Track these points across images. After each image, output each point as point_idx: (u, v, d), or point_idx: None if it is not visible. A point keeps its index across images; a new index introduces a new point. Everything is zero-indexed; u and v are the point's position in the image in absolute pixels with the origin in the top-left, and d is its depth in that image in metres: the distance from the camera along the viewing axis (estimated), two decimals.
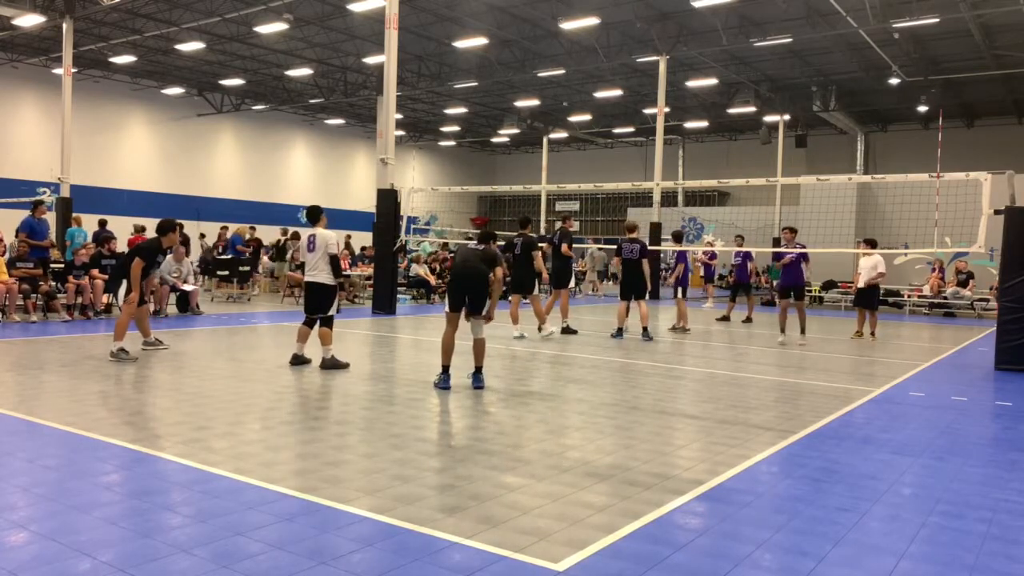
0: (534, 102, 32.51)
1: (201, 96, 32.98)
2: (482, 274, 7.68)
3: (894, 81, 26.36)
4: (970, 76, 26.21)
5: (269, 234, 25.54)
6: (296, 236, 20.24)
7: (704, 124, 35.16)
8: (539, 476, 4.83)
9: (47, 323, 12.48)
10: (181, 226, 13.47)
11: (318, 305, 8.76)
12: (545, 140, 38.74)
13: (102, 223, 17.79)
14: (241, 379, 7.93)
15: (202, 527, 3.82)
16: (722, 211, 36.39)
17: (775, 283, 17.00)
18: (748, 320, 16.82)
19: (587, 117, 35.50)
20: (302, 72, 28.84)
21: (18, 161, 27.70)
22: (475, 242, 8.34)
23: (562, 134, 39.01)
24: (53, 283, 13.27)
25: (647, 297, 13.33)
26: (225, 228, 21.48)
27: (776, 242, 27.45)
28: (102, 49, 25.77)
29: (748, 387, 8.50)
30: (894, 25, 19.77)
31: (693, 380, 8.99)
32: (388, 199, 15.78)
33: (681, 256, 15.38)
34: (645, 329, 12.78)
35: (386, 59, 15.27)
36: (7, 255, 13.49)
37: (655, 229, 23.62)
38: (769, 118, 31.82)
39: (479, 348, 7.77)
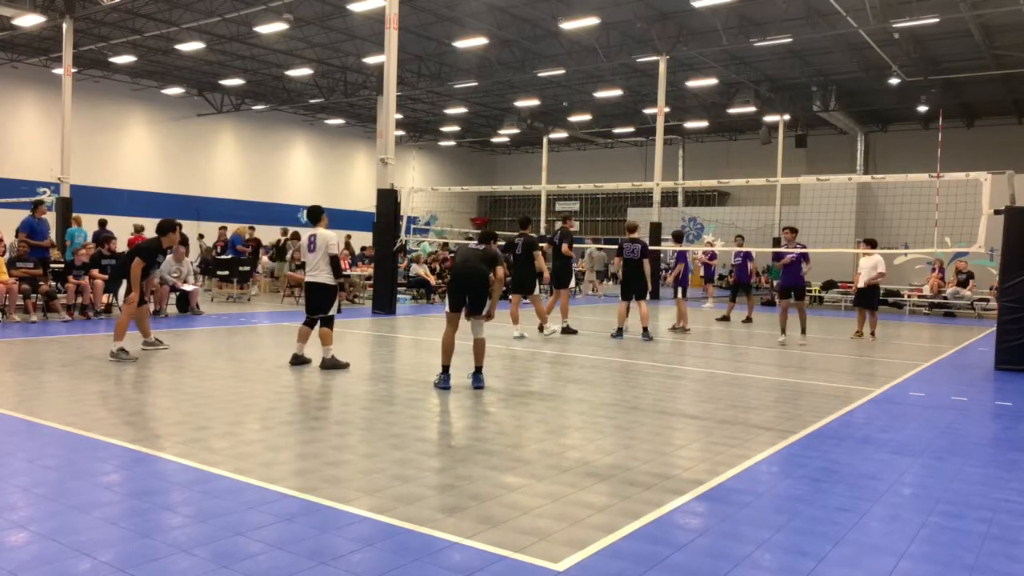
0: (534, 102, 32.50)
1: (201, 96, 32.98)
2: (482, 274, 7.68)
3: (894, 81, 26.36)
4: (970, 76, 26.21)
5: (269, 234, 25.55)
6: (296, 236, 20.25)
7: (704, 124, 35.16)
8: (539, 476, 4.83)
9: (47, 323, 12.48)
10: (180, 226, 13.47)
11: (319, 305, 8.76)
12: (545, 140, 38.73)
13: (102, 223, 17.80)
14: (241, 379, 7.93)
15: (202, 527, 3.82)
16: (722, 211, 36.39)
17: (775, 283, 17.00)
18: (748, 320, 16.82)
19: (587, 117, 35.50)
20: (302, 72, 28.85)
21: (18, 161, 27.71)
22: (475, 242, 8.35)
23: (562, 134, 39.00)
24: (53, 283, 13.27)
25: (647, 297, 13.33)
26: (224, 228, 21.47)
27: (776, 242, 27.45)
28: (102, 49, 25.78)
29: (748, 387, 8.50)
30: (894, 25, 19.77)
31: (693, 380, 8.99)
32: (388, 199, 15.78)
33: (681, 256, 15.39)
34: (645, 329, 12.78)
35: (386, 59, 15.27)
36: (7, 255, 13.49)
37: (655, 229, 23.62)
38: (769, 118, 31.82)
39: (479, 348, 7.77)
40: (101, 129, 30.27)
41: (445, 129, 40.76)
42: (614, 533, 3.89)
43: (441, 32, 24.44)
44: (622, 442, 5.80)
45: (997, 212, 10.26)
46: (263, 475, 4.66)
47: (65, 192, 20.75)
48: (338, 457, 5.13)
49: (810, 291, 21.99)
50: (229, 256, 18.89)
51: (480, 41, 23.64)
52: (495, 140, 43.08)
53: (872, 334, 13.84)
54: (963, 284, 20.87)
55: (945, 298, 21.00)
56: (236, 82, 30.76)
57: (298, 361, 8.85)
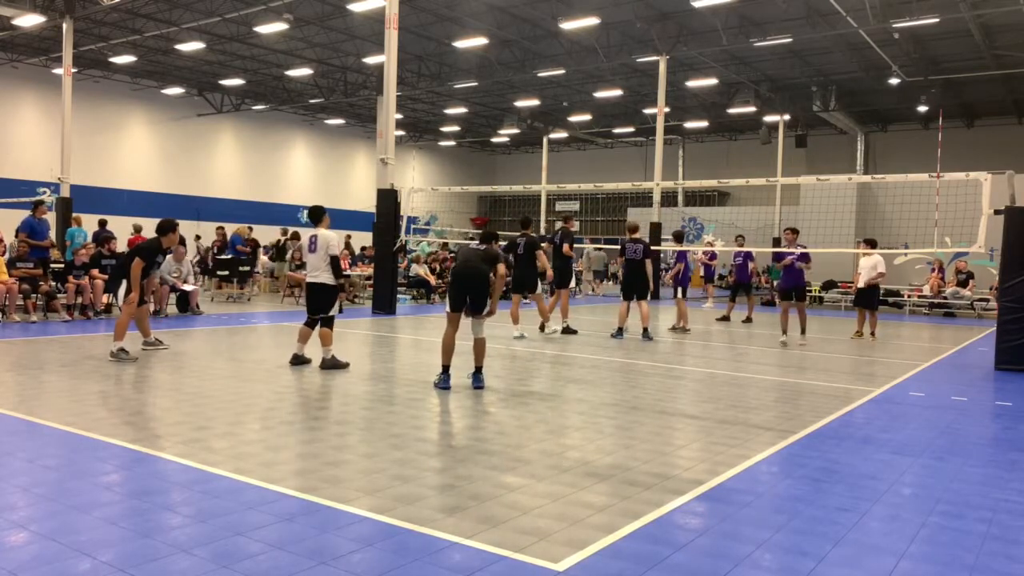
0: (534, 102, 32.51)
1: (201, 96, 32.99)
2: (483, 274, 7.69)
3: (894, 81, 26.36)
4: (970, 76, 26.21)
5: (269, 234, 25.54)
6: (296, 236, 20.25)
7: (704, 124, 35.17)
8: (539, 476, 4.83)
9: (47, 323, 12.48)
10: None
11: (319, 305, 8.76)
12: (545, 140, 38.73)
13: (102, 223, 17.79)
14: (241, 379, 7.93)
15: (202, 527, 3.82)
16: (722, 211, 36.39)
17: (775, 283, 17.00)
18: (748, 320, 16.82)
19: (587, 117, 35.51)
20: (302, 72, 28.85)
21: (18, 161, 27.71)
22: (476, 242, 8.35)
23: (562, 134, 39.01)
24: (53, 283, 13.27)
25: (648, 297, 13.34)
26: (221, 228, 21.42)
27: (776, 242, 27.47)
28: (102, 49, 25.78)
29: (748, 387, 8.50)
30: (894, 25, 19.78)
31: (693, 380, 8.99)
32: (388, 199, 15.78)
33: (681, 256, 15.40)
34: (645, 330, 12.79)
35: (386, 59, 15.27)
36: (7, 255, 13.50)
37: (655, 229, 23.63)
38: (769, 118, 31.83)
39: (479, 348, 7.77)
40: (101, 129, 30.27)
41: (445, 129, 40.76)
42: (614, 533, 3.89)
43: (441, 32, 24.44)
44: (622, 442, 5.80)
45: (997, 212, 10.26)
46: (263, 475, 4.66)
47: (65, 192, 20.75)
48: (338, 457, 5.13)
49: (810, 291, 21.99)
50: (229, 256, 18.89)
51: (480, 41, 23.64)
52: (495, 140, 43.08)
53: (872, 334, 13.84)
54: (963, 284, 20.87)
55: (945, 298, 21.00)
56: (236, 82, 30.77)
57: (298, 361, 8.86)
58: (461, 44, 24.23)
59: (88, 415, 6.10)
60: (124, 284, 9.24)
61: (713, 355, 11.51)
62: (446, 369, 7.75)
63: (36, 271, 13.19)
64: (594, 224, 42.55)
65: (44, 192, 17.94)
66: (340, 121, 38.49)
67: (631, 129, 37.17)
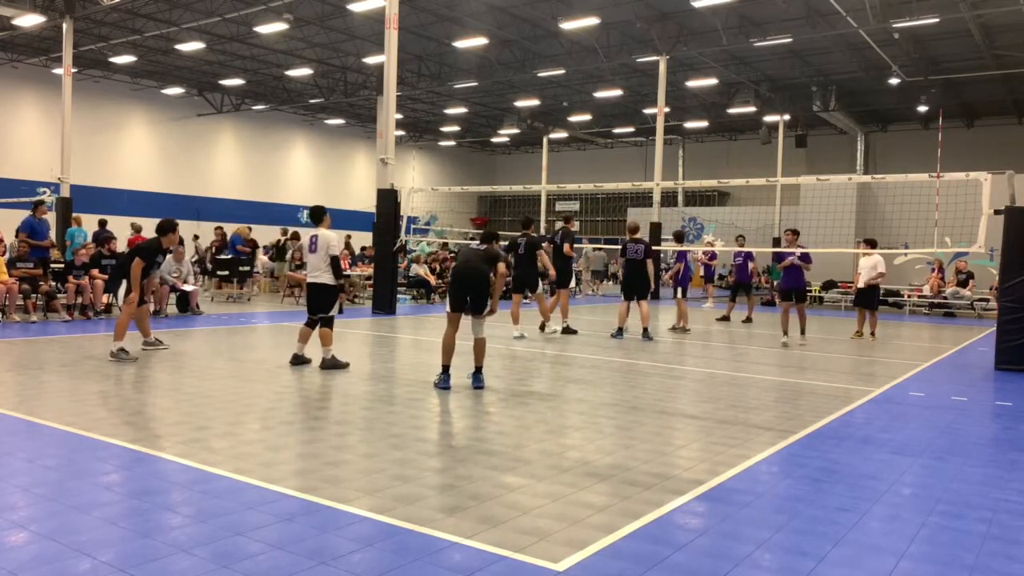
0: (534, 102, 32.50)
1: (201, 96, 32.98)
2: (483, 274, 7.69)
3: (894, 81, 26.36)
4: (970, 76, 26.21)
5: (269, 234, 25.54)
6: (296, 236, 20.25)
7: (704, 124, 35.17)
8: (539, 476, 4.83)
9: (47, 323, 12.48)
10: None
11: (319, 305, 8.77)
12: (545, 140, 38.73)
13: (102, 223, 17.79)
14: (241, 379, 7.93)
15: (202, 527, 3.82)
16: (722, 211, 36.39)
17: (776, 283, 16.99)
18: (748, 320, 16.82)
19: (587, 117, 35.51)
20: (302, 72, 28.85)
21: (18, 161, 27.71)
22: (477, 242, 8.35)
23: (562, 134, 39.01)
24: (53, 283, 13.27)
25: (648, 297, 13.34)
26: (220, 228, 21.40)
27: (776, 242, 27.48)
28: (102, 49, 25.78)
29: (748, 387, 8.50)
30: (894, 25, 19.78)
31: (693, 380, 8.99)
32: (388, 199, 15.78)
33: (681, 255, 15.41)
34: (645, 330, 12.79)
35: (386, 59, 15.27)
36: (7, 255, 13.49)
37: (655, 229, 23.62)
38: (769, 118, 31.82)
39: (479, 348, 7.77)
40: (101, 129, 30.27)
41: (445, 129, 40.76)
42: (614, 533, 3.89)
43: (441, 32, 24.44)
44: (622, 442, 5.80)
45: (997, 212, 10.26)
46: (263, 475, 4.66)
47: (65, 192, 20.75)
48: (338, 457, 5.13)
49: (810, 291, 21.99)
50: (229, 256, 18.89)
51: (480, 41, 23.64)
52: (495, 140, 43.08)
53: (872, 334, 13.84)
54: (963, 284, 20.87)
55: (945, 298, 21.00)
56: (236, 82, 30.76)
57: (298, 361, 8.86)
58: (461, 44, 24.23)
59: (88, 415, 6.10)
60: (124, 284, 9.24)
61: (713, 355, 11.51)
62: (446, 369, 7.75)
63: (36, 271, 13.19)
64: (594, 224, 42.55)
65: (44, 192, 17.95)
66: (340, 121, 38.49)
67: (631, 129, 37.17)
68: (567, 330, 13.05)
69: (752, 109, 30.10)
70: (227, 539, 3.67)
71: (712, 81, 27.85)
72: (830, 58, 25.86)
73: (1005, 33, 22.20)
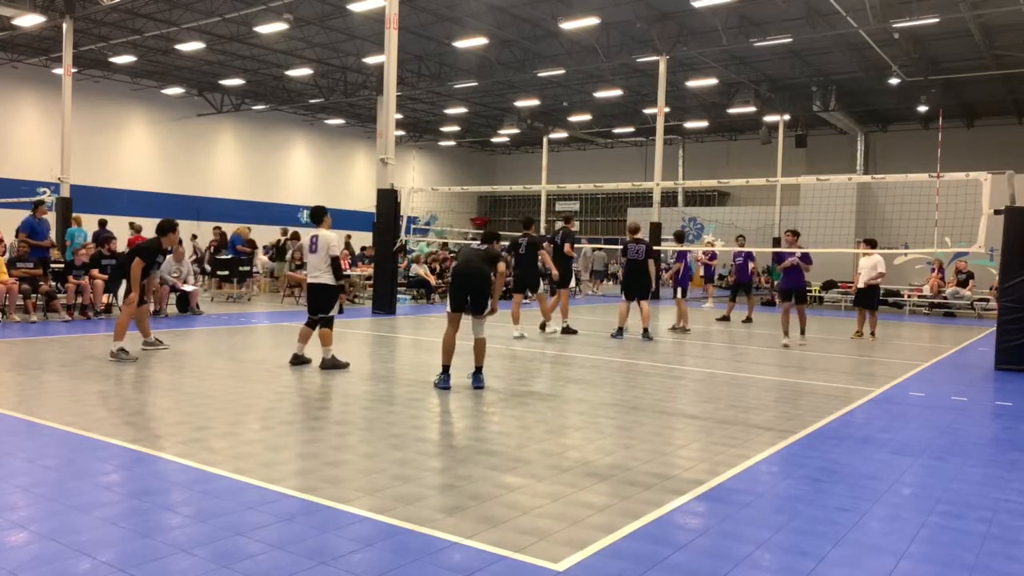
0: (534, 102, 32.50)
1: (201, 96, 32.98)
2: (484, 274, 7.69)
3: (894, 81, 26.35)
4: (970, 76, 26.20)
5: (269, 234, 25.54)
6: (296, 236, 20.25)
7: (704, 124, 35.16)
8: (539, 476, 4.83)
9: (47, 323, 12.48)
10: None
11: (320, 306, 8.77)
12: (545, 140, 38.73)
13: (102, 223, 17.79)
14: (241, 379, 7.93)
15: (202, 527, 3.82)
16: (722, 211, 36.39)
17: (776, 283, 16.99)
18: (748, 320, 16.82)
19: (587, 117, 35.50)
20: (302, 72, 28.84)
21: (18, 161, 27.71)
22: (477, 242, 8.35)
23: (562, 134, 39.00)
24: (53, 283, 13.27)
25: (649, 297, 13.35)
26: (219, 228, 21.40)
27: (776, 242, 27.48)
28: (102, 49, 25.78)
29: (748, 387, 8.50)
30: (894, 25, 19.77)
31: (693, 380, 8.99)
32: (388, 199, 15.78)
33: (681, 255, 15.41)
34: (646, 330, 12.79)
35: (386, 59, 15.27)
36: (7, 255, 13.50)
37: (655, 229, 23.62)
38: (769, 118, 31.82)
39: (479, 348, 7.77)
40: (101, 129, 30.27)
41: (445, 129, 40.76)
42: (614, 533, 3.89)
43: (441, 32, 24.44)
44: (622, 442, 5.80)
45: (997, 212, 10.26)
46: (263, 475, 4.66)
47: (65, 192, 20.74)
48: (338, 457, 5.13)
49: (810, 291, 22.00)
50: (229, 256, 18.89)
51: (480, 41, 23.64)
52: (495, 140, 43.08)
53: (872, 334, 13.84)
54: (963, 284, 20.87)
55: (945, 298, 21.00)
56: (236, 82, 30.76)
57: (298, 361, 8.86)
58: (461, 44, 24.23)
59: (88, 415, 6.10)
60: (124, 284, 9.25)
61: (713, 355, 11.51)
62: (446, 369, 7.75)
63: (36, 271, 13.19)
64: (594, 224, 42.54)
65: (44, 192, 17.95)
66: (340, 121, 38.49)
67: (631, 129, 37.16)
68: (567, 330, 13.05)
69: (752, 109, 30.10)
70: (227, 539, 3.67)
71: (712, 81, 27.85)
72: (830, 58, 25.86)
73: (1005, 33, 22.20)
